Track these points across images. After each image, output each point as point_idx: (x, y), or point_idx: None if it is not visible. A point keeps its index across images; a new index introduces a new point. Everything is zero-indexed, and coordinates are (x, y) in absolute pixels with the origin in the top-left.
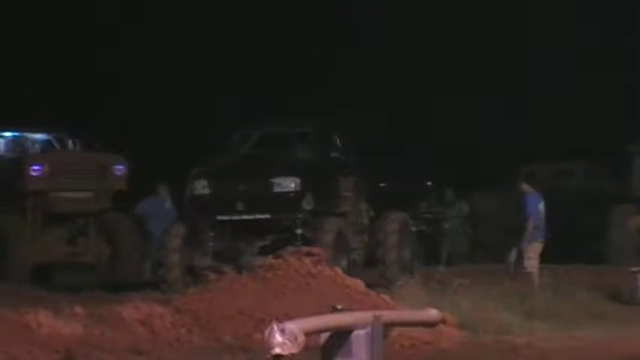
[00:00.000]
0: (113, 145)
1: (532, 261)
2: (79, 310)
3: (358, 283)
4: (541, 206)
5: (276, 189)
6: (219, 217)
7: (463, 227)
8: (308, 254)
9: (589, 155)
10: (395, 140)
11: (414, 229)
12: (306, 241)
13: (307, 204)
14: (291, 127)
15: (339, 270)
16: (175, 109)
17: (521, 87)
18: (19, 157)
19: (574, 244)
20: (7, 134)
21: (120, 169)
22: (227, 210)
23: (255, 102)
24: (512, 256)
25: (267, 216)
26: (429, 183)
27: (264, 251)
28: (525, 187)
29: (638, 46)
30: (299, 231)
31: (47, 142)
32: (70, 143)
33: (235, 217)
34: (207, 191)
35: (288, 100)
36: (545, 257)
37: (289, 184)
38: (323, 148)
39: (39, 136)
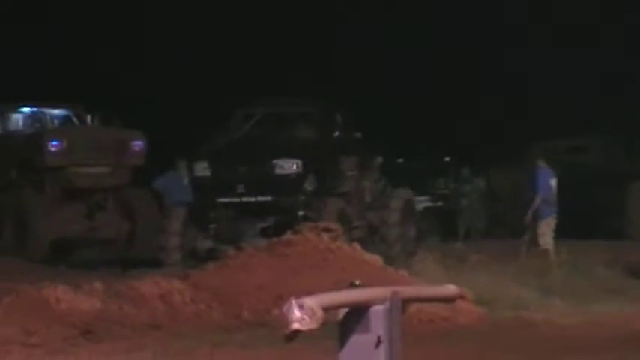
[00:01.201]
0: (132, 121)
1: (546, 237)
2: (97, 285)
3: (376, 259)
4: (553, 182)
5: (278, 171)
6: (220, 200)
7: (480, 203)
8: (326, 230)
9: (605, 132)
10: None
11: (430, 204)
12: (308, 221)
13: (309, 185)
14: (293, 107)
15: (357, 245)
16: (197, 85)
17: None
18: (38, 132)
19: (592, 220)
20: (26, 110)
21: (138, 144)
22: (228, 192)
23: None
24: (527, 236)
25: (268, 198)
26: (447, 159)
27: (265, 233)
28: (539, 163)
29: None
30: (301, 213)
31: (66, 117)
32: (88, 119)
33: (236, 200)
34: (207, 173)
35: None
36: (562, 233)
37: (291, 166)
38: (325, 128)
39: (57, 111)
